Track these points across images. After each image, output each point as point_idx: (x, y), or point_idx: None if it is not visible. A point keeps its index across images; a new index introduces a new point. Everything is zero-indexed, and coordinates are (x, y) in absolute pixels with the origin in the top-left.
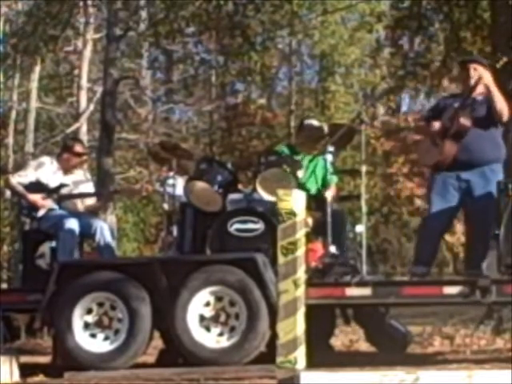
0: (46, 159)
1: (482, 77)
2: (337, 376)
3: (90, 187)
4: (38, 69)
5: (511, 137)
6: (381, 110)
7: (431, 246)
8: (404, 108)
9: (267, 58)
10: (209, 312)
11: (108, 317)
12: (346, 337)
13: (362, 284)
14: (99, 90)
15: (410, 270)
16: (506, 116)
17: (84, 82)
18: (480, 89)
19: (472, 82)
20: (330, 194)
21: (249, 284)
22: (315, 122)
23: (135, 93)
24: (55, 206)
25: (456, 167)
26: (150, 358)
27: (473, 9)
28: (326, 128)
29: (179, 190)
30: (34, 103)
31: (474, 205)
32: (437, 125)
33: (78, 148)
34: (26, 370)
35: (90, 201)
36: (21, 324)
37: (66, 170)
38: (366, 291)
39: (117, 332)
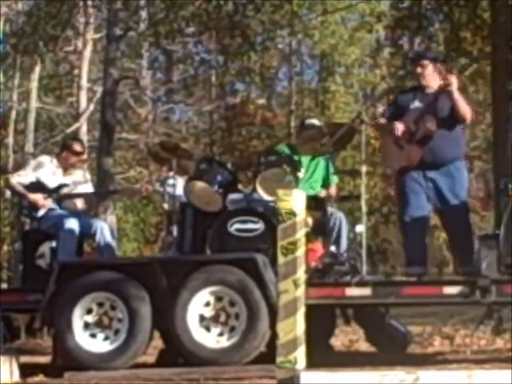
0: (45, 158)
1: (448, 82)
2: (337, 376)
3: (88, 188)
4: (38, 69)
5: (511, 136)
6: (381, 110)
7: (419, 243)
8: None
9: (267, 58)
10: (209, 312)
11: (108, 317)
12: (346, 337)
13: (362, 284)
14: (99, 90)
15: (405, 271)
16: (468, 118)
17: (84, 82)
18: (436, 85)
19: (424, 79)
20: (329, 195)
21: (249, 284)
22: (316, 122)
23: (135, 93)
24: (55, 206)
25: (421, 167)
26: (150, 358)
27: (473, 9)
28: (326, 128)
29: (179, 190)
30: (34, 103)
31: (445, 203)
32: (401, 127)
33: (77, 147)
34: (26, 370)
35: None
36: (21, 324)
37: (65, 168)
38: (366, 291)
39: (117, 332)
